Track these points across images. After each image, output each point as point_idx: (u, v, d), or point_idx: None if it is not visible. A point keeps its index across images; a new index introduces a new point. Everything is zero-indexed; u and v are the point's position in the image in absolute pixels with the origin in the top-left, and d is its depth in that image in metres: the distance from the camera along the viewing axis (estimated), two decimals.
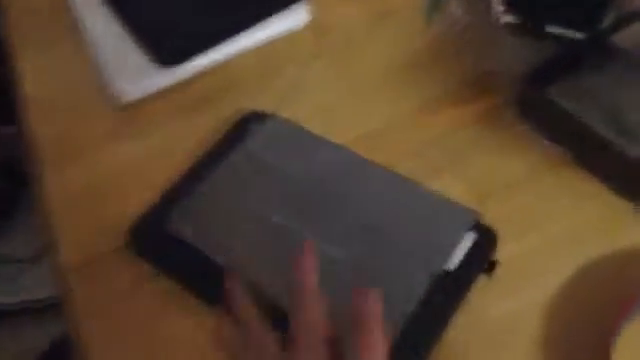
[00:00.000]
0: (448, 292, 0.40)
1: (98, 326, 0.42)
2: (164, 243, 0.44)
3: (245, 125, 0.50)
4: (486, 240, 0.42)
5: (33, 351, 0.98)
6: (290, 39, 0.58)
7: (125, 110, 0.54)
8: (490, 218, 0.43)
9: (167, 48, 0.54)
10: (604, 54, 0.51)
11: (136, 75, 0.55)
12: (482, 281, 0.41)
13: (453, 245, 0.41)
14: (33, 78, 0.58)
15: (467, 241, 0.41)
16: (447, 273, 0.40)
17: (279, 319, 0.34)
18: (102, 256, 0.45)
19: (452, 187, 0.46)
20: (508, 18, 0.56)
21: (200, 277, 0.42)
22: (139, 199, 0.47)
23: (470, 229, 0.42)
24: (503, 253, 0.42)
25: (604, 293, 0.40)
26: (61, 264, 0.46)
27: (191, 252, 0.43)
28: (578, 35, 0.52)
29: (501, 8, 0.56)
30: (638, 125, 0.46)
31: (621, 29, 0.52)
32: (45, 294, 0.98)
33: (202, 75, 0.56)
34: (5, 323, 1.01)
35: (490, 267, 0.41)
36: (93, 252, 0.46)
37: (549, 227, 0.44)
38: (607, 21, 0.52)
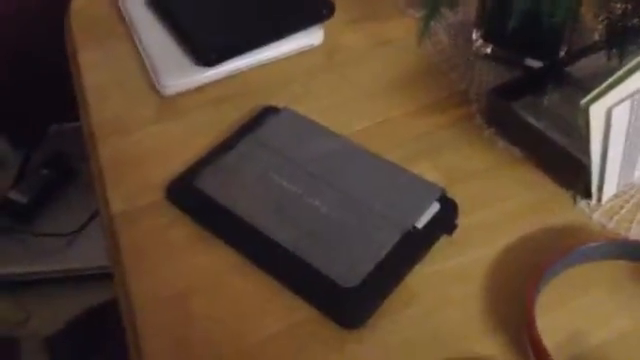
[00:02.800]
0: (414, 246, 0.51)
1: (137, 258, 0.53)
2: (193, 196, 0.55)
3: (261, 115, 0.62)
4: (449, 209, 0.53)
5: (65, 316, 1.11)
6: (304, 55, 0.70)
7: (167, 100, 0.66)
8: (455, 195, 0.54)
9: (206, 51, 0.66)
10: (559, 80, 0.64)
11: (178, 73, 0.67)
12: (443, 240, 0.52)
13: (422, 209, 0.52)
14: (92, 71, 0.71)
15: (434, 208, 0.52)
16: (415, 230, 0.51)
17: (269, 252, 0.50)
18: (143, 206, 0.56)
19: (428, 172, 0.57)
20: (486, 49, 0.68)
21: (218, 222, 0.54)
22: (174, 167, 0.58)
23: (437, 199, 0.53)
24: (462, 222, 0.53)
25: (536, 255, 0.50)
26: (110, 212, 0.57)
27: (212, 203, 0.54)
28: (538, 64, 0.65)
29: (480, 41, 0.68)
30: (578, 132, 0.57)
31: (573, 62, 0.64)
32: (87, 264, 1.12)
33: (231, 77, 0.68)
34: (44, 290, 1.14)
35: (451, 229, 0.52)
36: (136, 203, 0.57)
37: (501, 206, 0.55)
38: (561, 54, 0.65)
